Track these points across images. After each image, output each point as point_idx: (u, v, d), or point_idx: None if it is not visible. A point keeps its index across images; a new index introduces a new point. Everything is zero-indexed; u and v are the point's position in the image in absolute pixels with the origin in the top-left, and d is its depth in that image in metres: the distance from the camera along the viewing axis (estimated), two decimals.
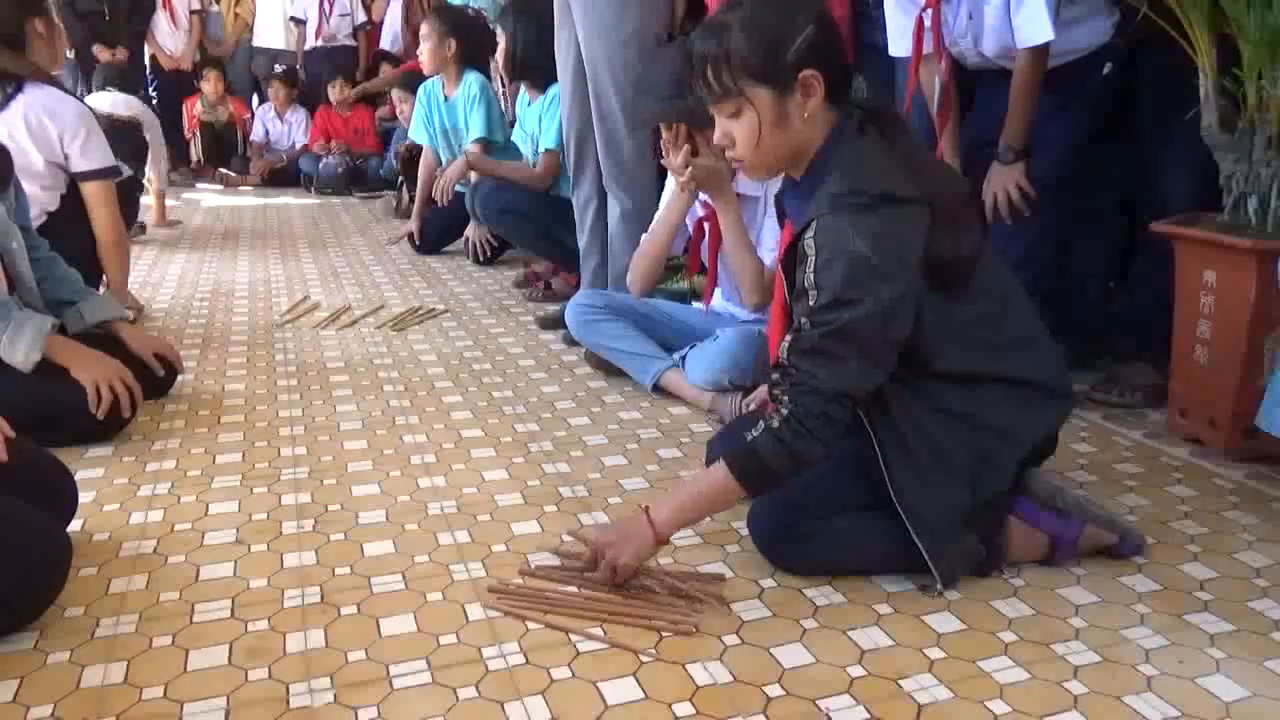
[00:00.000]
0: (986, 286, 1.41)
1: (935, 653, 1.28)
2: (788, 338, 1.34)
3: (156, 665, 1.26)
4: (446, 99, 3.82)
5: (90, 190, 2.56)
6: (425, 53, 3.59)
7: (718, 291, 2.36)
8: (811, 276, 1.31)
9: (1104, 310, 2.49)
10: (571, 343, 2.65)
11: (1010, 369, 1.43)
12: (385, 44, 6.53)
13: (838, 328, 1.29)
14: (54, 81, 2.53)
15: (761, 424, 1.32)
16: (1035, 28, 2.00)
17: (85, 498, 1.70)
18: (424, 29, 3.65)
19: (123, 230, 2.70)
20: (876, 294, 1.28)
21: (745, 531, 1.53)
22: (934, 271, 1.34)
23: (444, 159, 3.95)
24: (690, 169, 2.06)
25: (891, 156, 1.36)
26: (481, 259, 3.88)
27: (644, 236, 2.32)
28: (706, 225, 2.22)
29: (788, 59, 1.33)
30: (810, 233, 1.32)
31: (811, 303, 1.31)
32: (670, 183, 2.30)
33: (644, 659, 1.26)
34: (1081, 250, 2.45)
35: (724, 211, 2.10)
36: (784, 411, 1.31)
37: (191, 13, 6.52)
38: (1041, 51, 2.03)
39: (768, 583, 1.45)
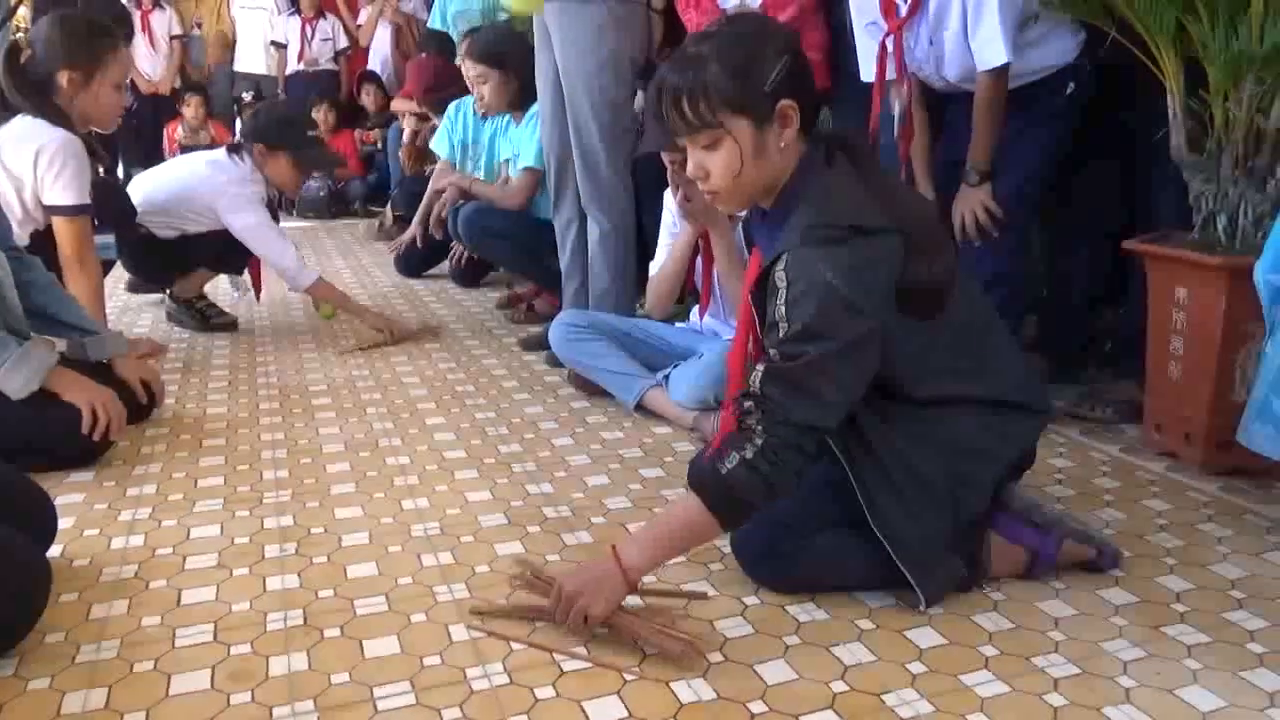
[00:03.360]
0: (958, 308, 1.41)
1: (917, 667, 1.29)
2: (760, 367, 1.32)
3: (138, 690, 1.25)
4: (476, 114, 3.78)
5: (58, 225, 2.43)
6: (488, 93, 3.29)
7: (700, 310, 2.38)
8: (783, 309, 1.30)
9: (1088, 325, 2.52)
10: (555, 364, 2.66)
11: (984, 390, 1.44)
12: (374, 68, 6.55)
13: (809, 361, 1.28)
14: (66, 121, 2.42)
15: (735, 455, 1.29)
16: (992, 50, 2.03)
17: (65, 523, 1.69)
18: (474, 71, 3.31)
19: (89, 264, 2.47)
20: (847, 327, 1.29)
21: (728, 549, 1.54)
22: (907, 300, 1.35)
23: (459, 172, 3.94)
24: (690, 199, 2.09)
25: (861, 186, 1.37)
26: (464, 279, 3.89)
27: (652, 266, 2.35)
28: (701, 244, 2.25)
29: (765, 89, 1.33)
30: (781, 265, 1.32)
31: (781, 334, 1.30)
32: (669, 203, 2.33)
33: (628, 677, 1.27)
34: (1066, 266, 2.49)
35: (718, 238, 2.13)
36: (758, 442, 1.28)
37: (172, 38, 6.53)
38: (1001, 73, 2.06)
39: (750, 600, 1.46)
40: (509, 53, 3.21)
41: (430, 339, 3.08)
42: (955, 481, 1.42)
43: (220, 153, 3.08)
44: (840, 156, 1.40)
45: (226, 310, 3.28)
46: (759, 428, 1.29)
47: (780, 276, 1.32)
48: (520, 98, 3.27)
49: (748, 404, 1.32)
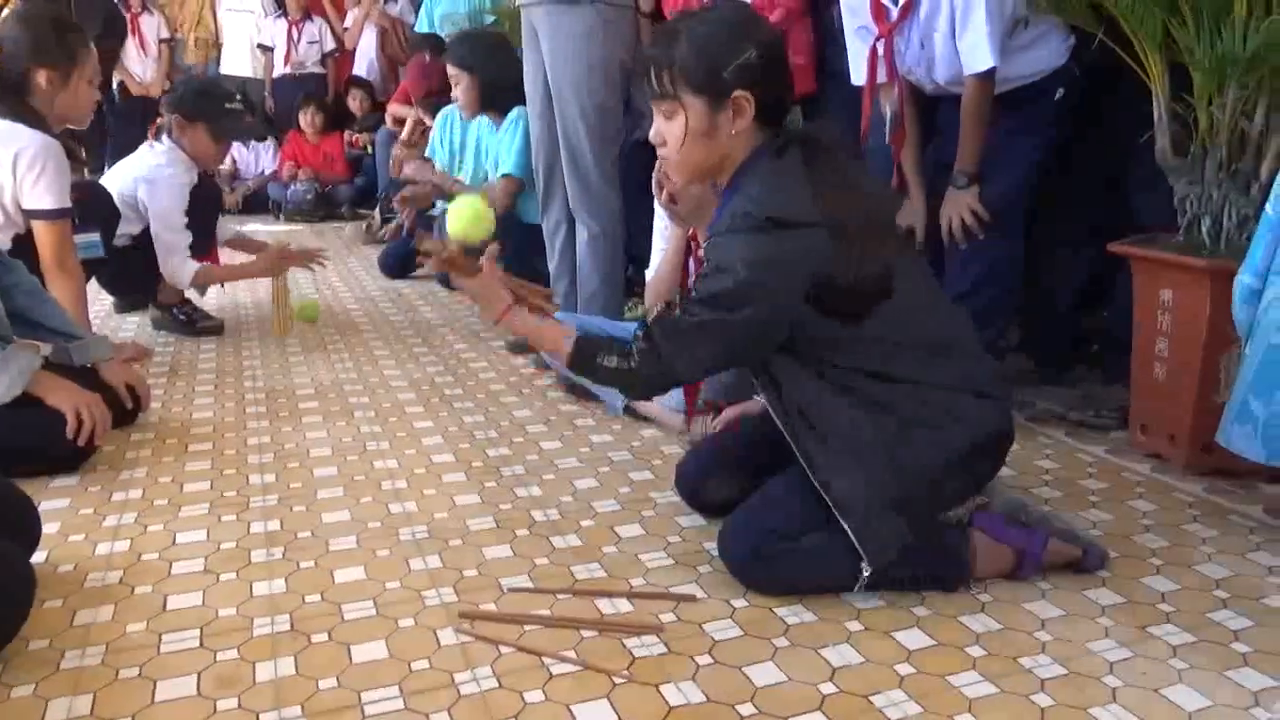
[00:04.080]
0: (898, 304, 1.41)
1: (905, 669, 1.29)
2: (658, 308, 1.46)
3: (123, 697, 1.24)
4: (463, 119, 3.80)
5: (38, 229, 2.39)
6: (460, 94, 3.37)
7: None
8: (696, 280, 1.44)
9: (1076, 329, 2.53)
10: (543, 366, 2.66)
11: (933, 375, 1.43)
12: (360, 70, 6.54)
13: (703, 321, 1.40)
14: (43, 124, 2.39)
15: (615, 359, 1.48)
16: (980, 54, 2.05)
17: (50, 529, 1.68)
18: (450, 72, 3.39)
19: (71, 268, 2.44)
20: (745, 310, 1.38)
21: (716, 552, 1.54)
22: (830, 297, 1.38)
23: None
24: (675, 200, 2.08)
25: (802, 180, 1.40)
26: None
27: (649, 271, 2.34)
28: (691, 246, 2.24)
29: (723, 76, 1.41)
30: (707, 245, 1.45)
31: (690, 296, 1.44)
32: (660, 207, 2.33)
33: (617, 680, 1.27)
34: (1053, 269, 2.50)
35: (705, 235, 2.12)
36: (631, 365, 1.46)
37: (161, 41, 6.52)
38: (987, 78, 2.08)
39: (739, 603, 1.46)
40: (478, 58, 3.29)
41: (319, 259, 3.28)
42: (895, 441, 1.41)
43: (144, 145, 3.11)
44: (793, 150, 1.43)
45: (212, 315, 3.26)
46: (638, 357, 1.46)
47: (705, 255, 1.45)
48: (488, 101, 3.33)
49: (640, 332, 1.46)
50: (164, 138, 3.05)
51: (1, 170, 2.35)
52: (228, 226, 3.42)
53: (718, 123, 1.43)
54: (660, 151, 1.52)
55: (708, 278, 1.41)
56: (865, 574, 1.42)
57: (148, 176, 2.99)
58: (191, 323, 3.19)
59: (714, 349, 1.43)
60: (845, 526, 1.41)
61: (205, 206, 3.13)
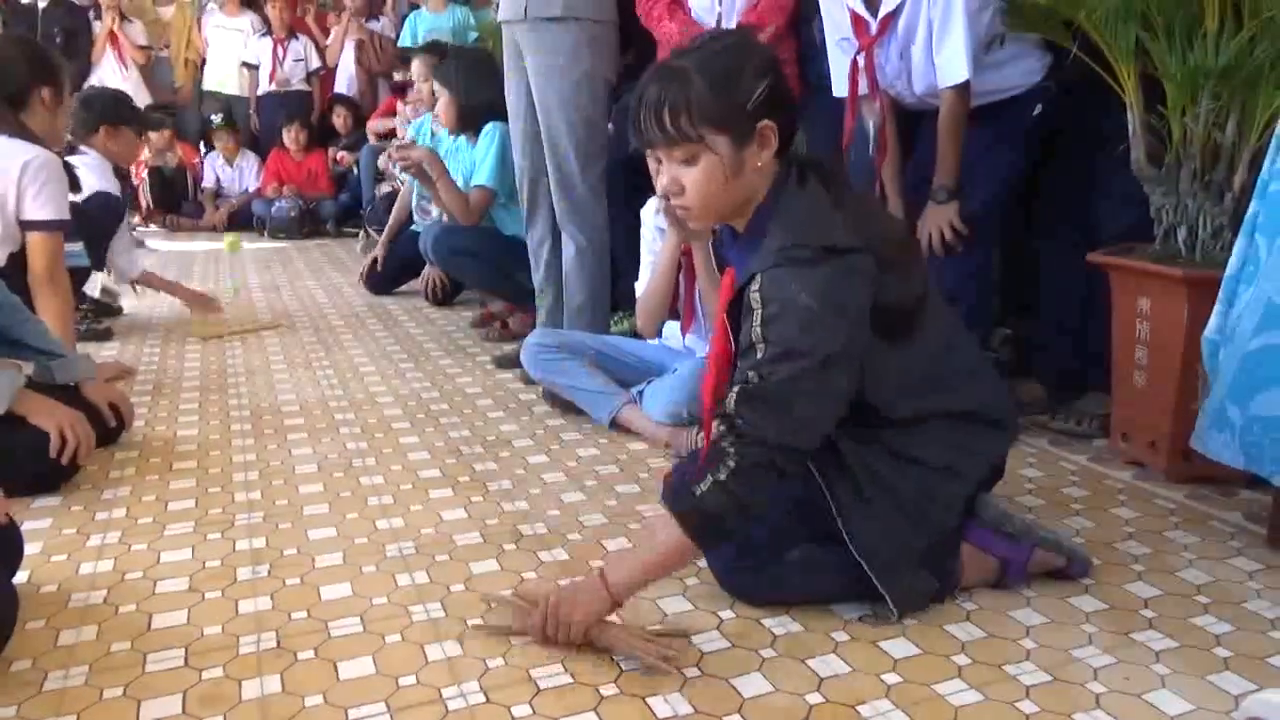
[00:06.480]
0: (929, 325, 1.43)
1: (891, 678, 1.30)
2: (734, 389, 1.31)
3: (108, 717, 1.23)
4: (434, 135, 3.84)
5: (34, 240, 2.41)
6: (440, 109, 3.49)
7: (675, 325, 2.37)
8: (759, 330, 1.31)
9: (1081, 346, 2.52)
10: (529, 381, 2.66)
11: (954, 404, 1.45)
12: (340, 87, 6.57)
13: (784, 379, 1.28)
14: (40, 143, 2.43)
15: (709, 478, 1.29)
16: (955, 67, 2.07)
17: (32, 548, 1.66)
18: (434, 86, 3.51)
19: (61, 282, 2.45)
20: (822, 347, 1.29)
21: (704, 564, 1.55)
22: (881, 319, 1.36)
23: (415, 195, 3.98)
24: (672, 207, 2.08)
25: (833, 207, 1.37)
26: (438, 299, 3.90)
27: (638, 286, 2.34)
28: (683, 261, 2.24)
29: (748, 109, 1.34)
30: (756, 285, 1.33)
31: (759, 356, 1.30)
32: (647, 219, 2.33)
33: (605, 693, 1.27)
34: (1048, 286, 2.50)
35: (698, 249, 2.12)
36: (730, 464, 1.28)
37: (139, 48, 6.52)
38: (962, 91, 2.10)
39: (727, 614, 1.46)
40: (459, 78, 3.37)
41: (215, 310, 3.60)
42: (925, 497, 1.43)
43: (77, 158, 3.13)
44: (812, 178, 1.41)
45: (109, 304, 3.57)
46: (731, 450, 1.29)
47: (755, 298, 1.32)
48: (467, 121, 3.41)
49: (721, 427, 1.31)
50: (87, 150, 3.22)
51: (7, 184, 2.38)
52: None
53: (743, 159, 1.35)
54: (675, 201, 1.40)
55: (771, 323, 1.30)
56: (894, 619, 1.43)
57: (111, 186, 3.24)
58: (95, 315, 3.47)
59: (811, 398, 1.30)
60: (877, 583, 1.40)
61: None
